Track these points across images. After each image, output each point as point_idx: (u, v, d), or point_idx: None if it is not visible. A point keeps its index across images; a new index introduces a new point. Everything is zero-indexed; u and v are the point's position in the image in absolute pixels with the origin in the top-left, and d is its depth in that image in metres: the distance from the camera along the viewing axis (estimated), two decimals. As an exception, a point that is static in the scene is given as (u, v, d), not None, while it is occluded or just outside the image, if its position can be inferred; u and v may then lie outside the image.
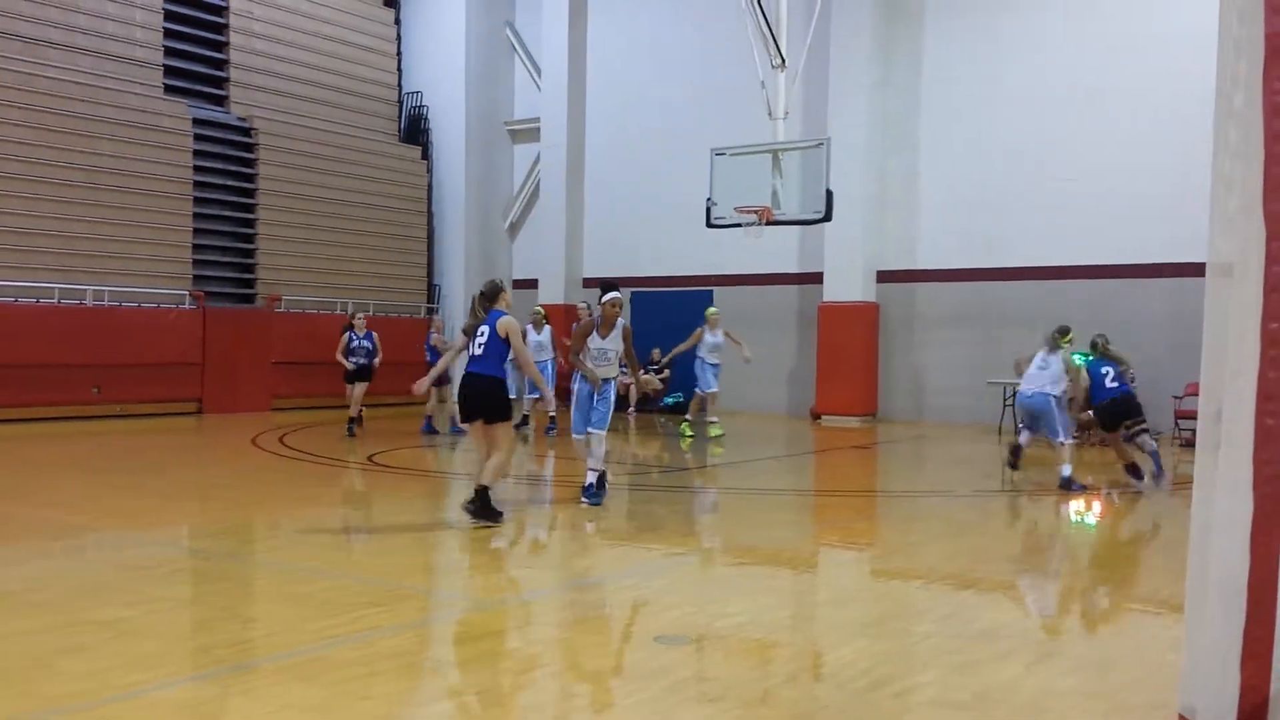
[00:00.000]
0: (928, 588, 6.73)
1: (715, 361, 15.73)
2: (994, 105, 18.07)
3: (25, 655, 4.74)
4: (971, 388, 17.72)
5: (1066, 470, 10.52)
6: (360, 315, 15.95)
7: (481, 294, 8.45)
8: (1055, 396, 10.64)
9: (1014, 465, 11.37)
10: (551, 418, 15.77)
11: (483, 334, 8.17)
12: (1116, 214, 16.83)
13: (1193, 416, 11.47)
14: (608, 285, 9.37)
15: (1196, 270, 3.56)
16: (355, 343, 15.44)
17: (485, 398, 8.12)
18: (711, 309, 16.09)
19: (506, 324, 8.17)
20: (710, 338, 15.68)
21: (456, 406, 8.56)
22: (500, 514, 8.20)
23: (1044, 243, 17.48)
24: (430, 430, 15.77)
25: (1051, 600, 6.34)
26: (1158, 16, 16.53)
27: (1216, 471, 3.35)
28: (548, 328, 15.81)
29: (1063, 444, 10.57)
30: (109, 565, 7.10)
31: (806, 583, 7.19)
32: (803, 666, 5.00)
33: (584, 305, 16.60)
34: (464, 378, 8.19)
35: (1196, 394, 3.58)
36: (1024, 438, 11.30)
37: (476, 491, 8.08)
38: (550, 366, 15.59)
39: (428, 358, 15.92)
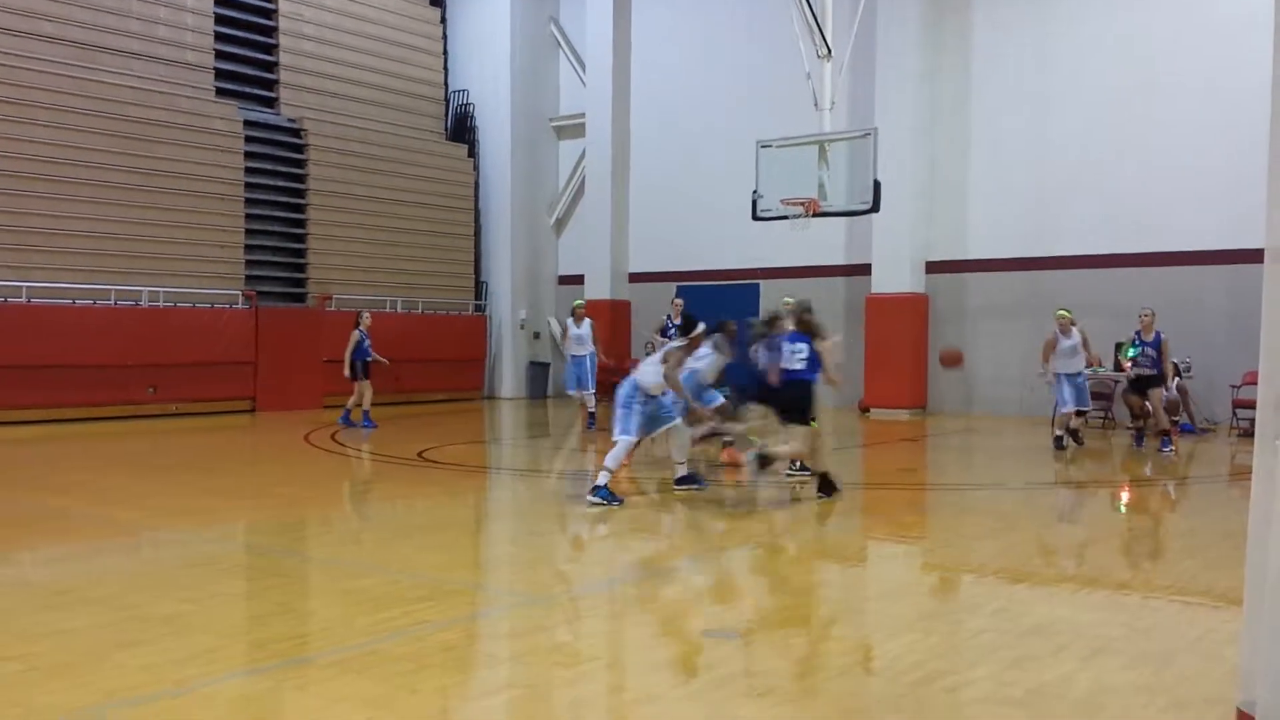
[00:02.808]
0: (979, 582, 6.66)
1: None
2: (1045, 92, 17.80)
3: (85, 649, 4.83)
4: (1022, 379, 17.50)
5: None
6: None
7: (799, 320, 9.62)
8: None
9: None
10: (591, 413, 15.75)
11: (800, 349, 9.34)
12: (1171, 200, 16.53)
13: (1251, 405, 11.25)
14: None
15: (1255, 256, 3.48)
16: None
17: (793, 398, 9.30)
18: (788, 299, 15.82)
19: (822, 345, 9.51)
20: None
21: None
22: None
23: (1097, 231, 17.21)
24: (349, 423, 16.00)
25: (1106, 594, 6.24)
26: (1212, 2, 16.21)
27: (1277, 462, 3.27)
28: (588, 321, 15.73)
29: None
30: (166, 561, 7.23)
31: (856, 576, 7.14)
32: (852, 660, 4.97)
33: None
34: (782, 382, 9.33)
35: (1255, 383, 3.50)
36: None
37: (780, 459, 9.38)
38: (590, 360, 15.59)
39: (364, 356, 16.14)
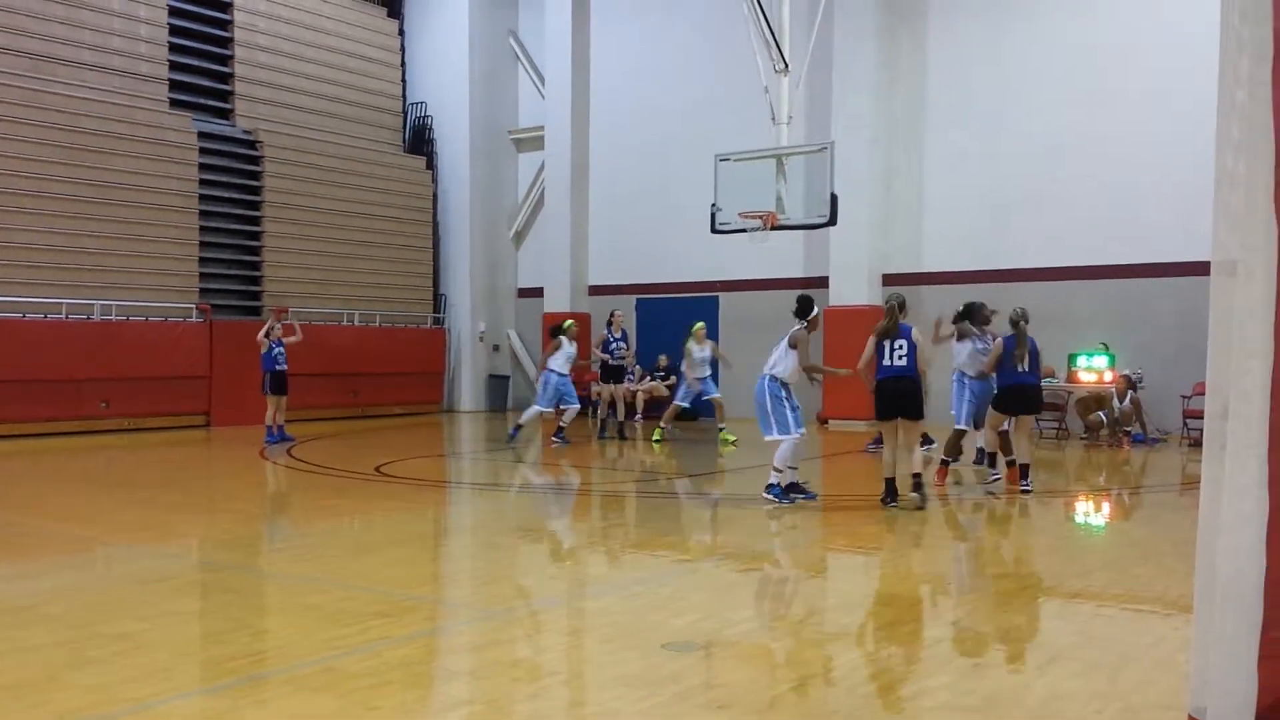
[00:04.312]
0: (936, 592, 6.72)
1: (699, 375, 16.22)
2: (1000, 106, 18.04)
3: (38, 668, 4.75)
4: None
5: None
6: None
7: (892, 306, 9.56)
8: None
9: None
10: (560, 428, 15.70)
11: (901, 345, 9.35)
12: (1125, 214, 16.79)
13: (1201, 416, 11.44)
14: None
15: (1204, 269, 3.55)
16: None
17: (909, 396, 9.38)
18: (698, 324, 16.48)
19: (919, 334, 9.61)
20: (699, 352, 16.14)
21: (876, 403, 9.60)
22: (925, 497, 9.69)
23: (1051, 244, 17.43)
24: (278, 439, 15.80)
25: (1059, 603, 6.32)
26: (1163, 15, 16.50)
27: (1224, 471, 3.33)
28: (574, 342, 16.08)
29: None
30: (120, 578, 7.12)
31: (815, 588, 7.17)
32: (811, 672, 4.99)
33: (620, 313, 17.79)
34: (887, 380, 9.43)
35: (1204, 393, 3.57)
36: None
37: (913, 478, 9.60)
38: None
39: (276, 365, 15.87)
